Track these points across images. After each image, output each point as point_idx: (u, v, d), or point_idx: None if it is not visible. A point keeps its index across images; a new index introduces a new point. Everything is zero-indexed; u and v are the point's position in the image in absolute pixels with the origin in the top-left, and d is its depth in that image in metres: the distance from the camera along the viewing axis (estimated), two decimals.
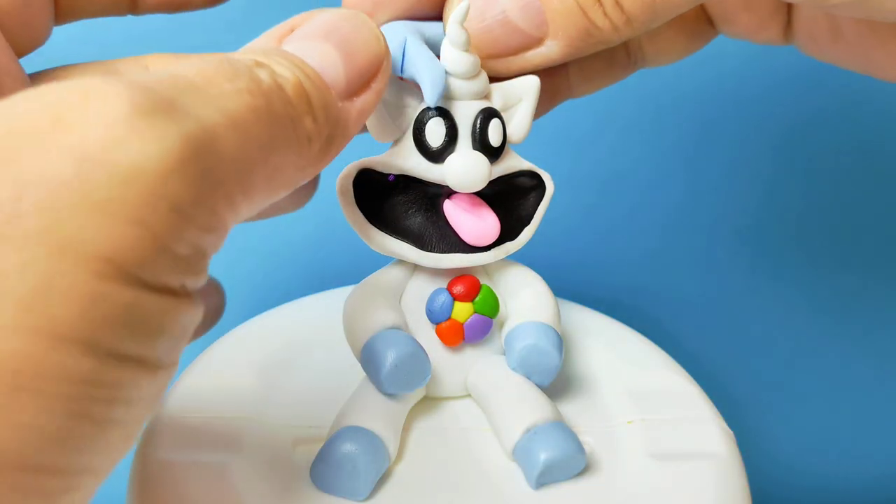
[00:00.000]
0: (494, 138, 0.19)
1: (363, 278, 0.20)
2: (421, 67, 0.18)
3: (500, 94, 0.19)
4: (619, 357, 0.23)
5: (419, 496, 0.18)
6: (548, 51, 0.18)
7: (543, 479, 0.19)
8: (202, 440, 0.19)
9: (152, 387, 0.11)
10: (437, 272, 0.20)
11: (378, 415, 0.19)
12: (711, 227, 0.35)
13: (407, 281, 0.20)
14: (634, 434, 0.20)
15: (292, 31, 0.15)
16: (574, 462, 0.19)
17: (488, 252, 0.20)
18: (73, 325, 0.10)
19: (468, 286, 0.20)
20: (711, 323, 0.36)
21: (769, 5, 0.21)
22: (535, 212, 0.20)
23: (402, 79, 0.18)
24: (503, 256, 0.20)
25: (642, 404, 0.21)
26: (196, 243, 0.11)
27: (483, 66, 0.19)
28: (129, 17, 0.20)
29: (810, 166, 0.34)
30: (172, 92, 0.12)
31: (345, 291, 0.21)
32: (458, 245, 0.19)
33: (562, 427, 0.19)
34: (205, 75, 0.12)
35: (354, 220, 0.19)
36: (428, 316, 0.20)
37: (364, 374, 0.19)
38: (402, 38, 0.18)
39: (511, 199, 0.20)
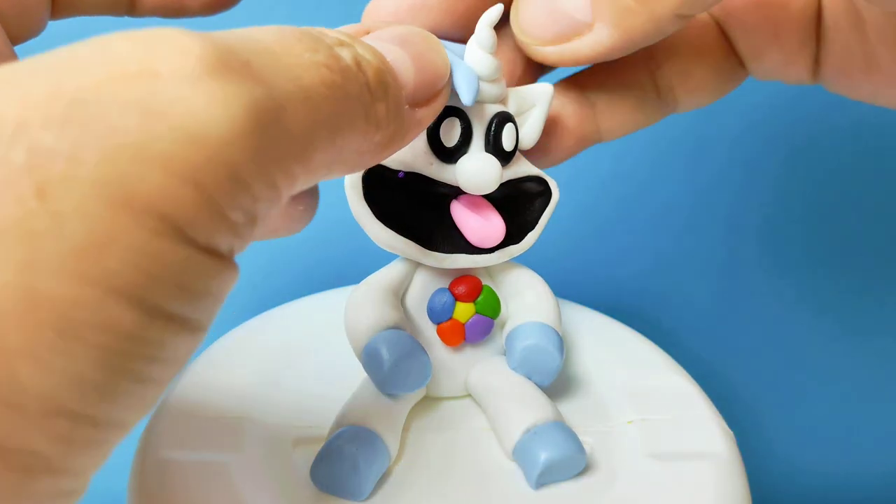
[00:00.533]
0: (508, 143, 0.19)
1: (364, 278, 0.20)
2: (454, 68, 0.18)
3: (515, 99, 0.19)
4: (619, 357, 0.23)
5: (419, 496, 0.18)
6: (598, 37, 0.18)
7: (543, 479, 0.19)
8: (202, 440, 0.19)
9: (188, 348, 0.11)
10: (438, 272, 0.20)
11: (378, 415, 0.19)
12: (712, 228, 0.35)
13: (408, 281, 0.20)
14: (634, 434, 0.20)
15: (367, 33, 0.15)
16: (574, 462, 0.19)
17: (492, 254, 0.20)
18: (126, 279, 0.10)
19: (470, 286, 0.20)
20: (711, 323, 0.36)
21: (797, 37, 0.21)
22: (539, 217, 0.20)
23: None
24: (506, 259, 0.20)
25: (642, 404, 0.21)
26: (249, 211, 0.11)
27: (534, 57, 0.19)
28: (126, 18, 0.19)
29: (812, 166, 0.34)
30: (248, 54, 0.11)
31: (345, 291, 0.21)
32: (463, 246, 0.19)
33: (562, 427, 0.19)
34: (284, 42, 0.12)
35: (361, 214, 0.19)
36: (429, 316, 0.20)
37: (364, 373, 0.19)
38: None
39: (517, 203, 0.20)
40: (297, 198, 0.19)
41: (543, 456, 0.18)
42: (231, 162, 0.11)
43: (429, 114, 0.15)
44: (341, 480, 0.18)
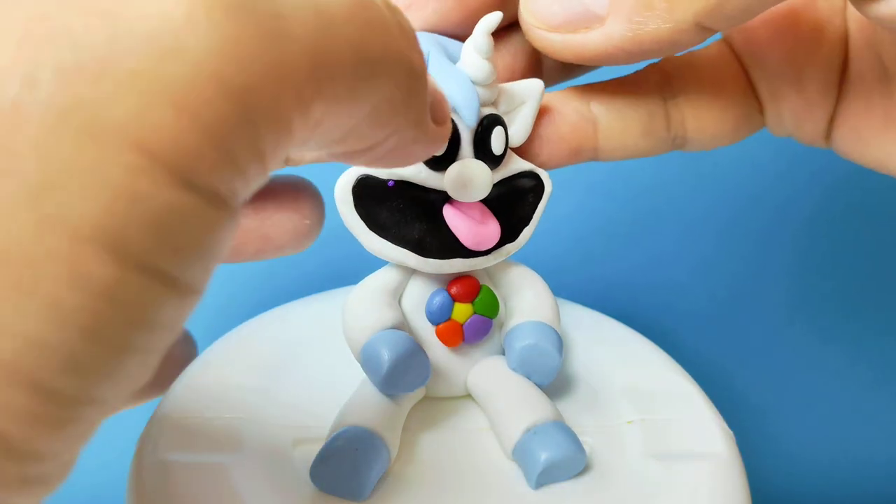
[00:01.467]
0: (497, 146, 0.19)
1: (362, 279, 0.20)
2: (451, 85, 0.17)
3: (505, 97, 0.19)
4: (619, 357, 0.23)
5: (419, 496, 0.18)
6: (608, 32, 0.17)
7: (543, 478, 0.19)
8: (202, 440, 0.19)
9: (178, 313, 0.09)
10: (437, 273, 0.20)
11: (378, 415, 0.19)
12: (712, 228, 0.35)
13: (407, 281, 0.20)
14: (634, 434, 0.20)
15: None
16: (574, 462, 0.19)
17: (489, 255, 0.20)
18: (96, 223, 0.08)
19: (468, 287, 0.20)
20: (711, 323, 0.36)
21: (820, 83, 0.20)
22: (534, 211, 0.20)
23: None
24: (504, 258, 0.20)
25: (642, 404, 0.21)
26: (253, 143, 0.09)
27: (537, 42, 0.18)
28: None
29: (812, 167, 0.34)
30: None
31: (344, 291, 0.21)
32: (458, 250, 0.19)
33: (562, 427, 0.19)
34: None
35: (354, 226, 0.19)
36: (427, 317, 0.20)
37: (364, 373, 0.19)
38: (426, 51, 0.18)
39: (511, 199, 0.20)
40: (303, 210, 0.18)
41: (543, 456, 0.18)
42: (223, 78, 0.09)
43: (444, 134, 0.14)
44: (341, 480, 0.18)
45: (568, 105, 0.20)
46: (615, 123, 0.20)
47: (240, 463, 0.18)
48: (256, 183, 0.10)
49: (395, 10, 0.12)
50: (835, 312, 0.36)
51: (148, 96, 0.08)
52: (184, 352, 0.19)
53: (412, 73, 0.12)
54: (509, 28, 0.20)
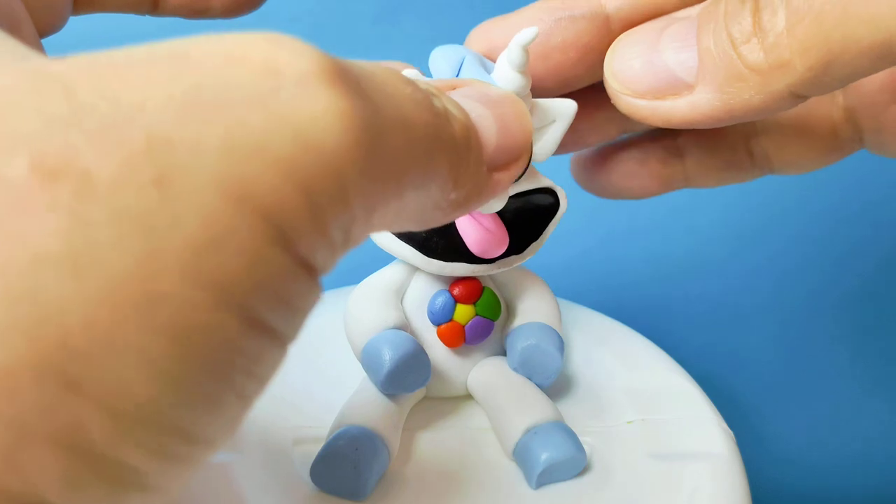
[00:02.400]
0: None
1: (364, 279, 0.20)
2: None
3: (538, 113, 0.19)
4: (619, 357, 0.23)
5: (419, 496, 0.18)
6: (697, 100, 0.17)
7: (543, 479, 0.19)
8: None
9: (277, 363, 0.11)
10: (439, 274, 0.20)
11: (378, 415, 0.19)
12: (711, 228, 0.35)
13: (409, 281, 0.20)
14: (634, 434, 0.20)
15: (453, 88, 0.15)
16: (574, 462, 0.19)
17: (492, 263, 0.20)
18: (236, 283, 0.09)
19: (470, 288, 0.20)
20: (711, 323, 0.36)
21: None
22: (544, 228, 0.20)
23: None
24: (507, 269, 0.20)
25: (642, 404, 0.21)
26: (347, 229, 0.11)
27: (622, 108, 0.18)
28: (148, 17, 0.19)
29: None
30: (357, 72, 0.11)
31: (345, 291, 0.21)
32: (464, 254, 0.19)
33: (562, 427, 0.19)
34: (386, 74, 0.12)
35: None
36: (429, 317, 0.20)
37: (364, 373, 0.19)
38: (461, 56, 0.18)
39: (524, 213, 0.20)
40: None
41: (544, 456, 0.18)
42: (341, 173, 0.10)
43: (506, 178, 0.14)
44: (341, 480, 0.18)
45: (657, 140, 0.20)
46: (701, 158, 0.21)
47: (240, 463, 0.18)
48: (333, 265, 0.11)
49: (439, 100, 0.13)
50: (835, 312, 0.36)
51: (290, 180, 0.09)
52: None
53: (463, 169, 0.13)
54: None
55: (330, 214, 0.10)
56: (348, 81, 0.10)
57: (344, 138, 0.10)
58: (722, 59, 0.16)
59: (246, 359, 0.10)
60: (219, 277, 0.09)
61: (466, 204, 0.14)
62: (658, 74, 0.17)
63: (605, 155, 0.22)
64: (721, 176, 0.21)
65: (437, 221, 0.14)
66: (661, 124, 0.17)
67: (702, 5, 0.17)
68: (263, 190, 0.09)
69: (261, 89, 0.10)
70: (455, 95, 0.14)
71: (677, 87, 0.17)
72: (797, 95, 0.16)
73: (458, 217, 0.14)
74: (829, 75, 0.15)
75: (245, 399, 0.10)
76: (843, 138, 0.20)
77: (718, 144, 0.20)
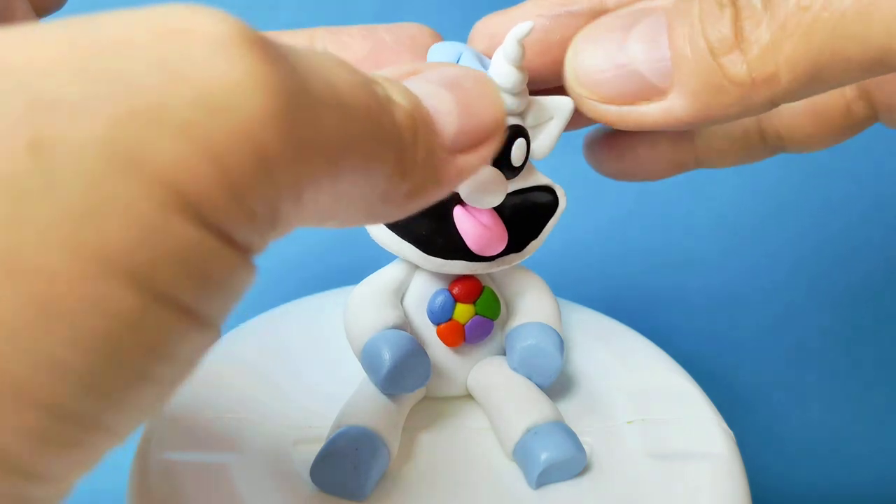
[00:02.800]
0: (517, 158, 0.18)
1: (363, 278, 0.20)
2: None
3: (535, 109, 0.19)
4: (619, 357, 0.23)
5: (419, 496, 0.18)
6: (669, 105, 0.16)
7: (543, 479, 0.19)
8: (202, 440, 0.19)
9: (196, 346, 0.10)
10: (439, 273, 0.20)
11: (378, 415, 0.19)
12: (712, 227, 0.35)
13: (408, 281, 0.20)
14: (634, 434, 0.20)
15: (415, 73, 0.14)
16: (574, 462, 0.19)
17: (492, 262, 0.20)
18: (127, 255, 0.09)
19: (470, 287, 0.20)
20: (711, 323, 0.36)
21: None
22: (544, 226, 0.20)
23: None
24: (506, 267, 0.20)
25: (642, 404, 0.21)
26: (272, 205, 0.10)
27: (588, 113, 0.17)
28: None
29: (811, 166, 0.34)
30: (286, 49, 0.10)
31: (345, 291, 0.21)
32: (463, 252, 0.19)
33: (562, 427, 0.19)
34: (321, 56, 0.11)
35: None
36: (429, 316, 0.20)
37: (364, 373, 0.19)
38: (459, 52, 0.18)
39: (522, 211, 0.20)
40: None
41: (544, 456, 0.18)
42: (258, 142, 0.09)
43: (474, 160, 0.14)
44: (341, 480, 0.18)
45: None
46: (710, 139, 0.20)
47: (240, 463, 0.18)
48: (267, 242, 0.11)
49: (380, 88, 0.12)
50: (835, 312, 0.36)
51: (191, 144, 0.09)
52: None
53: (411, 159, 0.12)
54: None
55: (246, 185, 0.09)
56: (270, 51, 0.10)
57: (262, 104, 0.09)
58: (700, 67, 0.15)
59: (149, 337, 0.09)
60: (105, 247, 0.08)
61: (424, 194, 0.13)
62: (628, 79, 0.16)
63: (617, 136, 0.22)
64: (733, 157, 0.21)
65: (392, 214, 0.13)
66: (630, 129, 0.17)
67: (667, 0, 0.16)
68: (160, 154, 0.09)
69: (165, 51, 0.09)
70: (412, 81, 0.14)
71: (649, 92, 0.16)
72: (776, 104, 0.15)
73: (417, 209, 0.13)
74: (813, 88, 0.15)
75: (153, 382, 0.09)
76: (856, 115, 0.20)
77: (730, 126, 0.20)
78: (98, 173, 0.08)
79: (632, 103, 0.16)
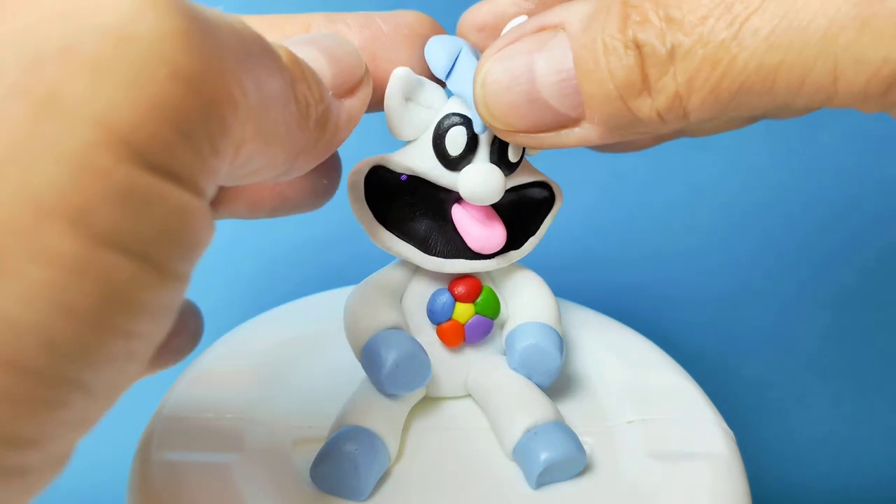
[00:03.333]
0: (513, 154, 0.18)
1: (363, 278, 0.20)
2: (469, 87, 0.17)
3: None
4: (619, 357, 0.23)
5: (419, 496, 0.18)
6: (585, 133, 0.16)
7: (543, 479, 0.19)
8: (202, 440, 0.19)
9: (159, 295, 0.09)
10: (438, 273, 0.20)
11: (378, 415, 0.19)
12: (712, 227, 0.35)
13: (408, 281, 0.20)
14: (634, 434, 0.20)
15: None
16: (574, 462, 0.19)
17: (492, 259, 0.20)
18: (59, 196, 0.08)
19: (469, 287, 0.20)
20: (711, 323, 0.36)
21: None
22: (542, 222, 0.20)
23: (443, 84, 0.18)
24: (506, 265, 0.20)
25: (642, 404, 0.21)
26: (205, 125, 0.10)
27: (508, 139, 0.17)
28: None
29: (810, 165, 0.34)
30: None
31: (345, 291, 0.21)
32: (463, 251, 0.19)
33: (562, 427, 0.19)
34: (208, 8, 0.11)
35: (362, 216, 0.19)
36: (429, 316, 0.20)
37: (364, 373, 0.19)
38: (459, 47, 0.18)
39: (520, 208, 0.20)
40: (321, 171, 0.18)
41: (544, 456, 0.18)
42: (170, 61, 0.09)
43: (357, 104, 0.15)
44: (341, 480, 0.18)
45: None
46: None
47: (240, 463, 0.18)
48: (212, 172, 0.10)
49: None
50: (835, 312, 0.36)
51: (105, 76, 0.09)
52: (196, 324, 0.19)
53: (306, 91, 0.13)
54: None
55: (169, 107, 0.09)
56: None
57: (167, 25, 0.09)
58: (610, 107, 0.15)
59: (101, 286, 0.09)
60: (38, 192, 0.08)
61: (326, 122, 0.14)
62: (540, 113, 0.16)
63: None
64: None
65: (309, 156, 0.14)
66: (551, 148, 0.17)
67: (572, 19, 0.15)
68: (76, 92, 0.09)
69: (56, 4, 0.09)
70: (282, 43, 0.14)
71: (563, 122, 0.16)
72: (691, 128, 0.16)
73: (328, 151, 0.14)
74: (723, 113, 0.15)
75: (120, 333, 0.09)
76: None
77: None
78: (18, 114, 0.08)
79: (547, 132, 0.16)
